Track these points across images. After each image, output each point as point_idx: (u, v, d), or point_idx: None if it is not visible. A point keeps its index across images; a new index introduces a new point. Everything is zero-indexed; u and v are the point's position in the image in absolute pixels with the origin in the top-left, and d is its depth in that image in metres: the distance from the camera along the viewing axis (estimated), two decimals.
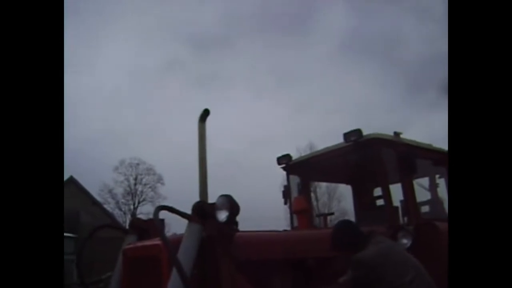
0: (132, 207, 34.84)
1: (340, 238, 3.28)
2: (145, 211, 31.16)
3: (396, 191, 4.41)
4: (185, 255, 2.59)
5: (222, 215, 2.74)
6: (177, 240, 2.70)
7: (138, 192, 35.26)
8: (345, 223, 3.52)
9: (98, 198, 26.88)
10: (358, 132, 4.29)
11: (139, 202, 35.11)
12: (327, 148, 4.82)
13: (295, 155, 5.38)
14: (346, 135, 4.34)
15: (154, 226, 2.77)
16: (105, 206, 28.63)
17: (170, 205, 2.80)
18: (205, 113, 3.05)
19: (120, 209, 34.61)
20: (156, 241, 2.87)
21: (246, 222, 3.21)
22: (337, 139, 4.51)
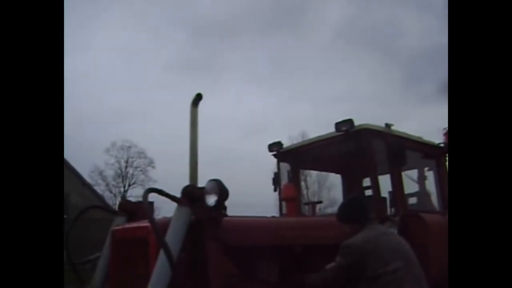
0: (122, 189, 34.87)
1: (347, 210, 3.39)
2: (135, 194, 31.25)
3: (385, 182, 4.47)
4: (173, 238, 2.60)
5: (211, 199, 2.74)
6: (165, 223, 2.71)
7: (128, 175, 35.32)
8: (357, 199, 3.59)
9: (89, 180, 26.77)
10: (349, 122, 4.31)
11: (129, 185, 35.19)
12: (318, 137, 4.83)
13: (287, 143, 5.41)
14: (338, 125, 4.36)
15: (143, 209, 2.77)
16: (96, 188, 28.55)
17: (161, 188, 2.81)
18: (198, 97, 3.02)
19: (111, 192, 34.69)
20: (145, 223, 2.88)
21: (236, 208, 3.23)
22: (331, 129, 4.52)
